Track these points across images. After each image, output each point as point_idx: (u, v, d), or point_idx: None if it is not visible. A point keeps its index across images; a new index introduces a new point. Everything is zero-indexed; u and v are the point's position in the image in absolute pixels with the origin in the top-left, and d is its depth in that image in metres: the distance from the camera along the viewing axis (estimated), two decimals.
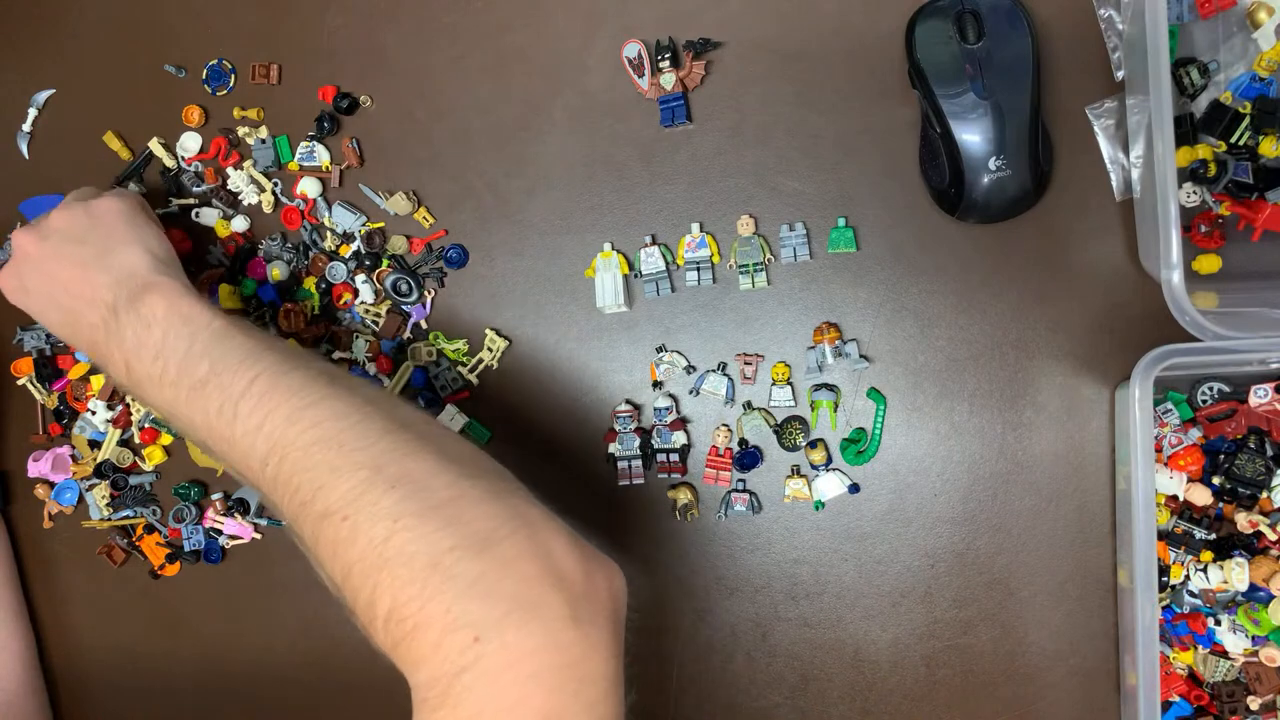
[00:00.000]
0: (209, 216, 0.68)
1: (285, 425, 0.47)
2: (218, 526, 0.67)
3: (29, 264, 0.59)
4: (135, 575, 0.70)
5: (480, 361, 0.65)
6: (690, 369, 0.63)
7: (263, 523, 0.67)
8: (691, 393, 0.63)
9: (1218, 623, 0.57)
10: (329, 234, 0.66)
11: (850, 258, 0.62)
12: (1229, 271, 0.58)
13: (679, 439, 0.62)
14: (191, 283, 0.57)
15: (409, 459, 0.45)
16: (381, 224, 0.66)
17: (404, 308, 0.65)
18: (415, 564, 0.41)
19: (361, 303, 0.65)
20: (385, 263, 0.65)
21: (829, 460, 0.62)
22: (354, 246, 0.66)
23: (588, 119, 0.64)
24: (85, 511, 0.70)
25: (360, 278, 0.65)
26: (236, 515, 0.67)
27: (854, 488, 0.61)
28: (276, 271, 0.66)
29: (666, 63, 0.62)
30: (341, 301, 0.66)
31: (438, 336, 0.65)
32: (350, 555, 0.42)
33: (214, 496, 0.67)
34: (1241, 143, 0.56)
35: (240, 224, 0.67)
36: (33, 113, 0.71)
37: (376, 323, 0.65)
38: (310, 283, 0.66)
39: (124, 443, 0.69)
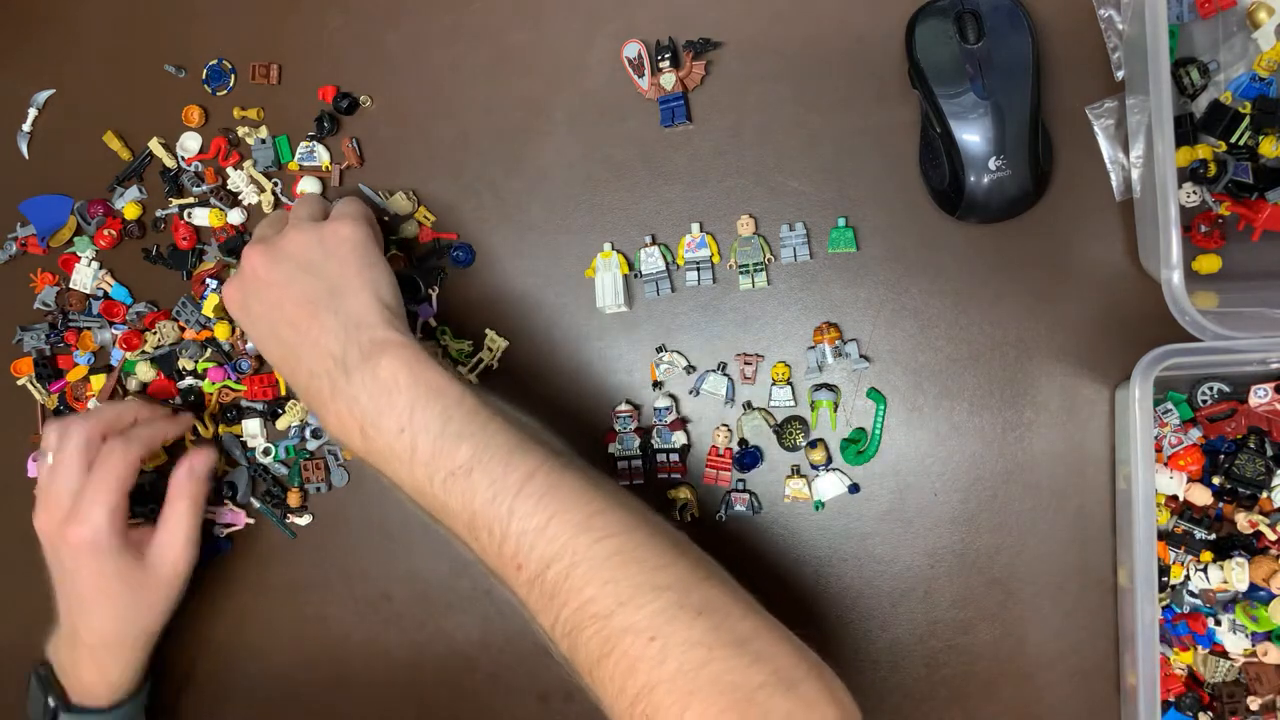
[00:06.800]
0: (203, 218, 0.68)
1: (575, 532, 0.47)
2: (210, 518, 0.67)
3: (256, 285, 0.55)
4: None
5: (480, 361, 0.65)
6: (690, 369, 0.63)
7: (256, 504, 0.67)
8: (691, 393, 0.63)
9: (1218, 623, 0.57)
10: None
11: (850, 258, 0.62)
12: (1229, 271, 0.58)
13: (679, 439, 0.62)
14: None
15: (706, 585, 0.47)
16: (388, 216, 0.66)
17: (409, 308, 0.65)
18: (732, 695, 0.43)
19: None
20: (393, 250, 0.65)
21: (829, 460, 0.62)
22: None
23: (588, 119, 0.64)
24: None
25: None
26: (227, 502, 0.67)
27: (854, 488, 0.61)
28: None
29: (666, 63, 0.62)
30: None
31: (444, 332, 0.65)
32: (657, 675, 0.44)
33: None
34: (1241, 143, 0.56)
35: (236, 216, 0.67)
36: (33, 113, 0.71)
37: None
38: None
39: None
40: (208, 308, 0.66)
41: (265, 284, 0.55)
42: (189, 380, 0.67)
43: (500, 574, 0.49)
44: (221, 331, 0.66)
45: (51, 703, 0.60)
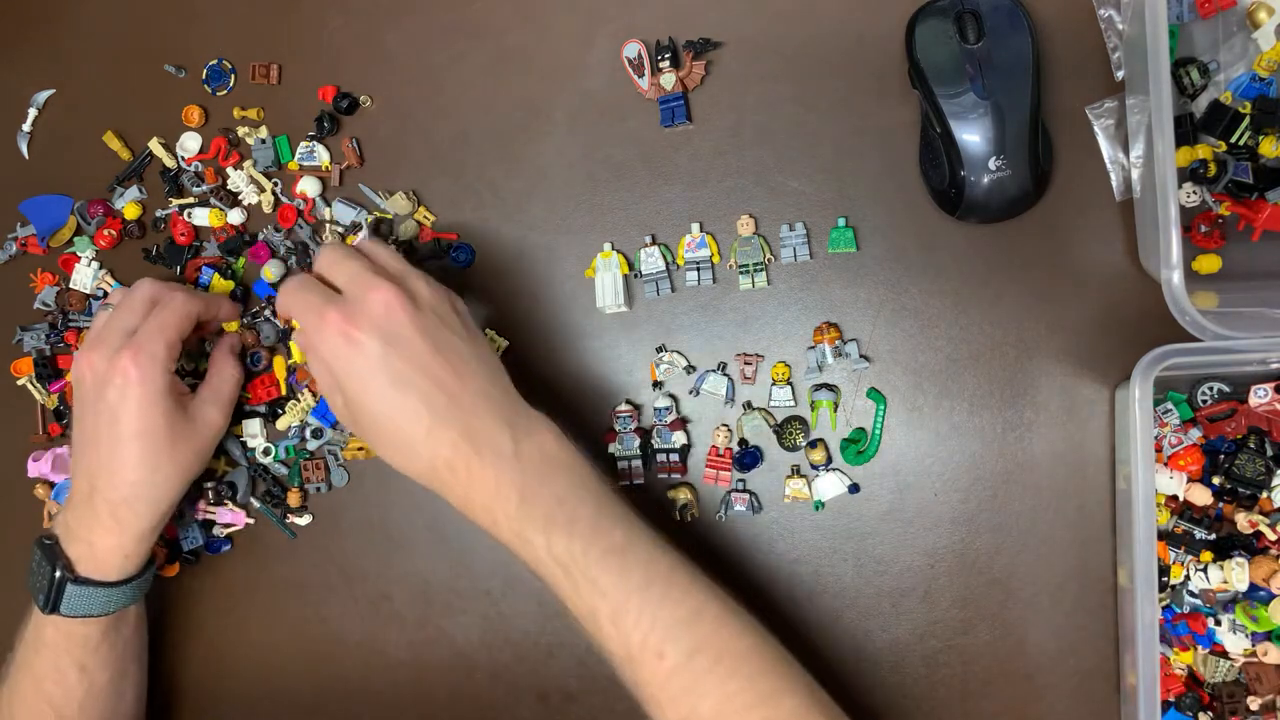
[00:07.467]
0: (203, 218, 0.68)
1: (717, 626, 0.50)
2: (210, 518, 0.67)
3: (398, 331, 0.51)
4: None
5: None
6: (690, 369, 0.63)
7: (256, 504, 0.67)
8: (691, 393, 0.63)
9: (1218, 623, 0.57)
10: (329, 230, 0.66)
11: (850, 258, 0.62)
12: (1229, 271, 0.58)
13: (679, 439, 0.62)
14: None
15: (814, 687, 0.52)
16: (390, 215, 0.66)
17: None
18: None
19: None
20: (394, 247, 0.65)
21: (829, 460, 0.62)
22: (361, 236, 0.66)
23: (588, 119, 0.64)
24: None
25: None
26: (227, 502, 0.67)
27: (854, 488, 0.61)
28: (270, 271, 0.66)
29: (666, 63, 0.62)
30: None
31: None
32: None
33: (205, 485, 0.67)
34: (1241, 143, 0.56)
35: (236, 216, 0.67)
36: (33, 113, 0.71)
37: None
38: None
39: None
40: (217, 291, 0.66)
41: (413, 331, 0.51)
42: (189, 380, 0.67)
43: (633, 663, 0.50)
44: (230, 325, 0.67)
45: (58, 573, 0.57)
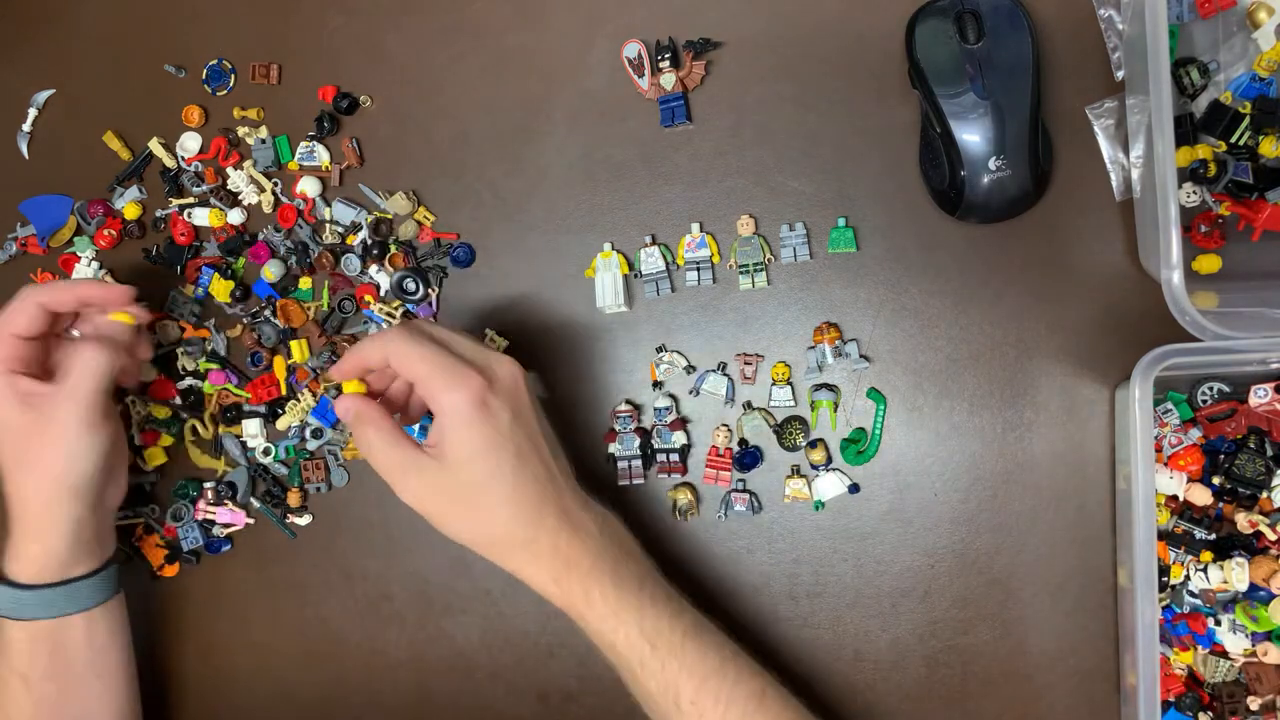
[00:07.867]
0: (203, 218, 0.68)
1: (778, 706, 0.53)
2: (210, 517, 0.67)
3: (519, 407, 0.51)
4: (135, 576, 0.69)
5: None
6: (690, 369, 0.63)
7: (256, 504, 0.67)
8: (691, 393, 0.63)
9: (1218, 623, 0.57)
10: (329, 230, 0.66)
11: (850, 258, 0.62)
12: (1229, 271, 0.58)
13: (679, 439, 0.62)
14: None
15: None
16: (390, 215, 0.66)
17: (409, 307, 0.65)
18: None
19: (380, 306, 0.65)
20: (394, 247, 0.65)
21: (829, 460, 0.62)
22: (360, 236, 0.66)
23: (588, 119, 0.64)
24: None
25: (374, 268, 0.65)
26: (227, 502, 0.67)
27: (854, 488, 0.61)
28: (269, 271, 0.66)
29: (666, 63, 0.62)
30: (363, 302, 0.66)
31: None
32: None
33: (205, 485, 0.67)
34: (1241, 143, 0.56)
35: (236, 216, 0.67)
36: (33, 113, 0.71)
37: (392, 322, 0.65)
38: (306, 282, 0.66)
39: None
40: (217, 291, 0.66)
41: (528, 407, 0.53)
42: (189, 381, 0.67)
43: None
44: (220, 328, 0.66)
45: None
